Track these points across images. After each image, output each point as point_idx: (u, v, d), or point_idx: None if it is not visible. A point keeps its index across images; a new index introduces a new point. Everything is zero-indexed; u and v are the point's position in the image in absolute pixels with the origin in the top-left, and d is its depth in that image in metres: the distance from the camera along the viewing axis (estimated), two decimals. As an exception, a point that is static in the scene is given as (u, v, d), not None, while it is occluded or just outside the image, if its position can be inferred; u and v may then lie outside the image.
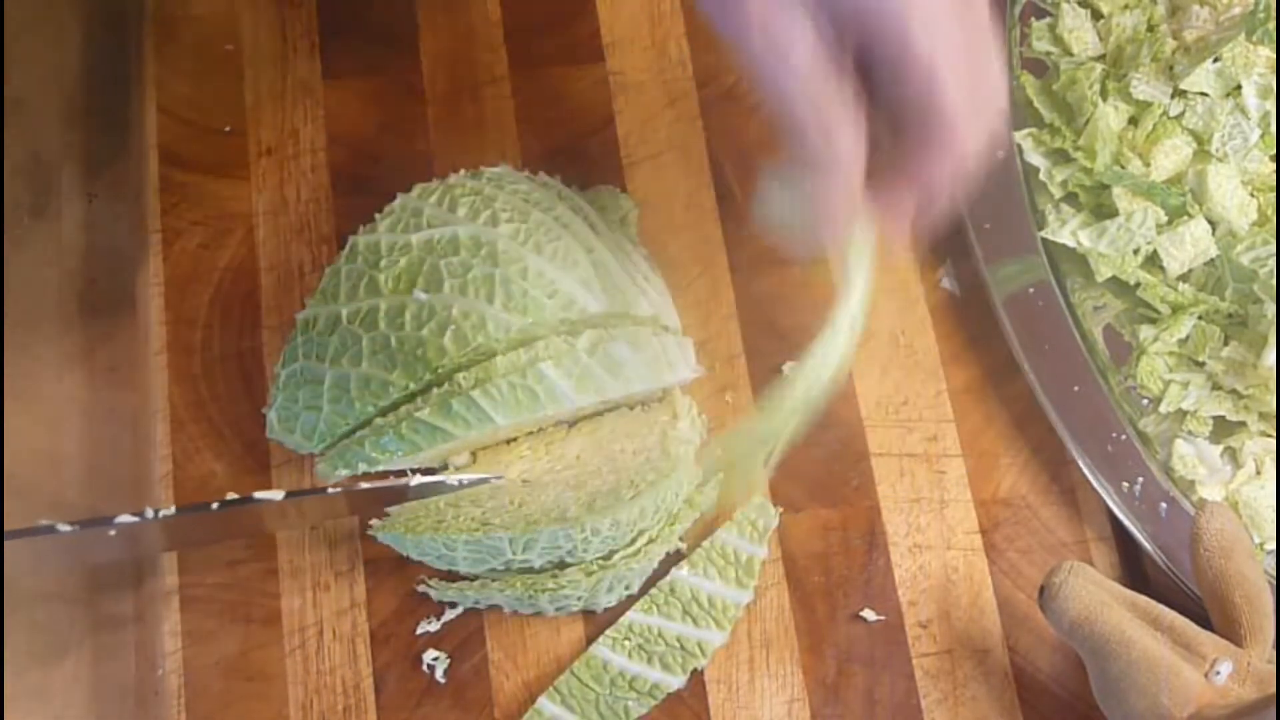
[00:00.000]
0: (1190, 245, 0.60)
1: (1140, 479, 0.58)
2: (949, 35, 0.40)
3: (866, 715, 0.57)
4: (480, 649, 0.57)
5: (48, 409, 0.55)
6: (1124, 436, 0.58)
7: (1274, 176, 0.61)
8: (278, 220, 0.63)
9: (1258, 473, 0.59)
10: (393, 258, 0.55)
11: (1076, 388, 0.59)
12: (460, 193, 0.57)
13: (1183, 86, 0.61)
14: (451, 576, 0.57)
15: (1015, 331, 0.59)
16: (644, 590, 0.57)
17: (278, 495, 0.52)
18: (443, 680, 0.56)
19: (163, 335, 0.61)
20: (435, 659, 0.56)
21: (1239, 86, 0.61)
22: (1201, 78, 0.61)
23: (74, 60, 0.62)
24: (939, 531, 0.59)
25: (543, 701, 0.55)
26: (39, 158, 0.58)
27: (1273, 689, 0.48)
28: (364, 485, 0.54)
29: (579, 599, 0.55)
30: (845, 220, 0.44)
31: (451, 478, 0.55)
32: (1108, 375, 0.60)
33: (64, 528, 0.48)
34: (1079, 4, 0.65)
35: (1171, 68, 0.62)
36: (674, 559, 0.57)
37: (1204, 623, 0.50)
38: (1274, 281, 0.58)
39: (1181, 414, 0.60)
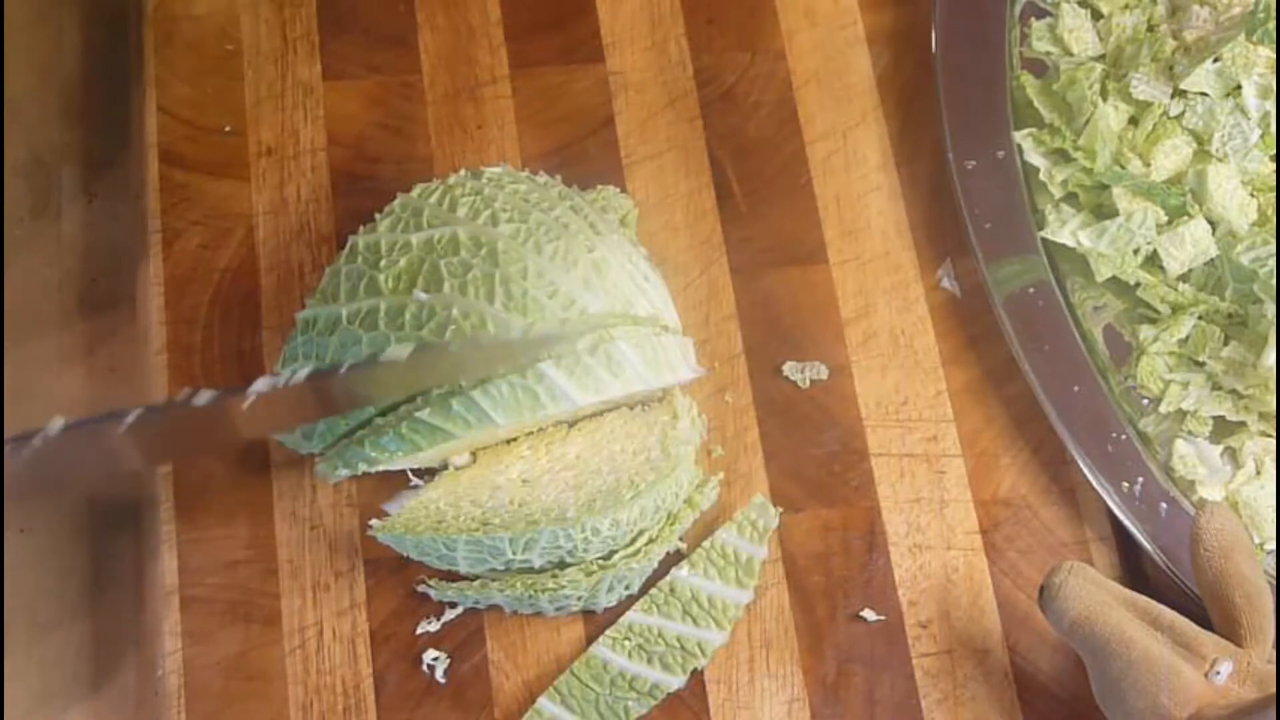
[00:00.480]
0: (1190, 245, 0.60)
1: (1140, 479, 0.58)
2: None
3: (866, 715, 0.57)
4: (480, 649, 0.57)
5: (47, 408, 0.55)
6: (1124, 436, 0.58)
7: (1274, 176, 0.61)
8: (278, 220, 0.63)
9: (1258, 473, 0.59)
10: (393, 258, 0.54)
11: (1076, 388, 0.59)
12: (460, 193, 0.57)
13: (1183, 86, 0.61)
14: (451, 576, 0.57)
15: (1015, 331, 0.59)
16: (644, 590, 0.57)
17: (260, 387, 0.48)
18: (443, 680, 0.56)
19: (163, 335, 0.60)
20: (435, 659, 0.56)
21: (1239, 86, 0.61)
22: (1201, 78, 0.61)
23: (74, 60, 0.62)
24: (939, 531, 0.59)
25: (543, 701, 0.55)
26: (39, 158, 0.58)
27: (1273, 689, 0.48)
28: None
29: (579, 599, 0.55)
30: None
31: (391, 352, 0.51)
32: (1108, 375, 0.60)
33: (55, 426, 0.44)
34: (1079, 4, 0.66)
35: (1171, 68, 0.62)
36: (674, 559, 0.57)
37: (1204, 623, 0.50)
38: (1274, 281, 0.58)
39: (1181, 414, 0.60)
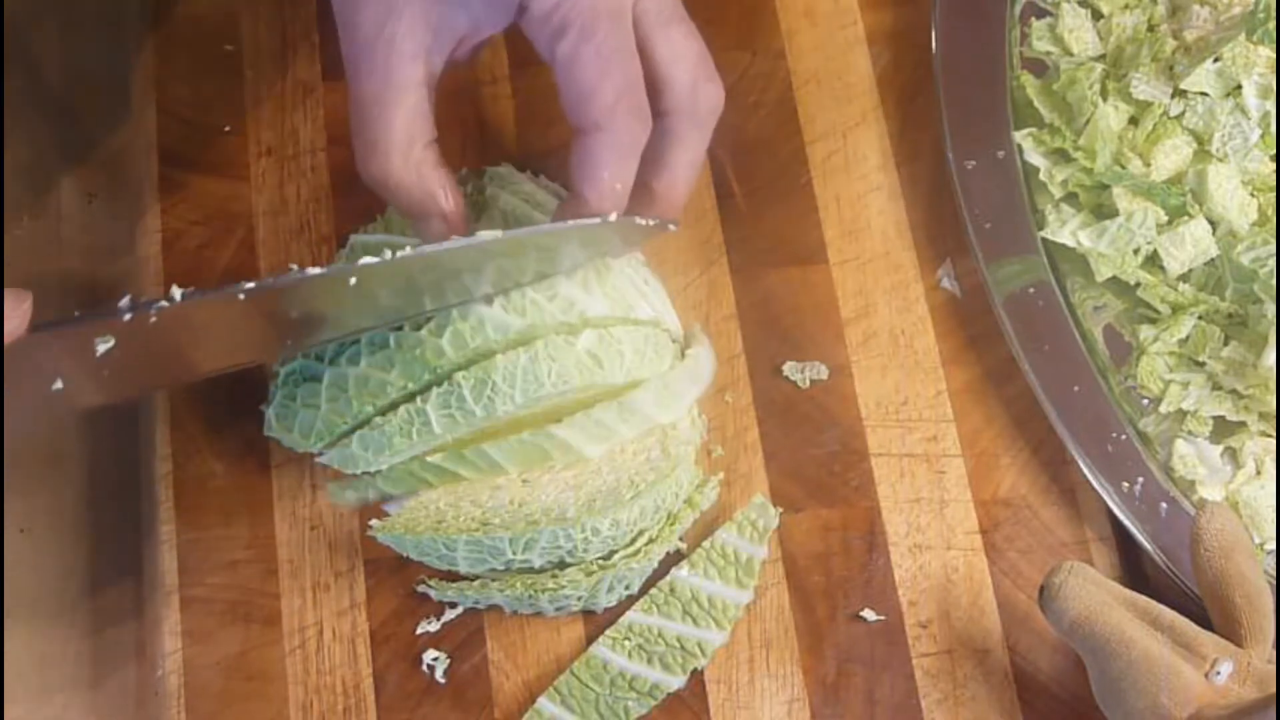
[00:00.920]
0: (1190, 245, 0.60)
1: (1140, 479, 0.58)
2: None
3: (866, 715, 0.57)
4: (480, 649, 0.57)
5: (48, 409, 0.55)
6: (1124, 436, 0.58)
7: (1274, 176, 0.61)
8: (278, 220, 0.63)
9: (1258, 473, 0.59)
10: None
11: (1076, 388, 0.59)
12: (463, 192, 0.57)
13: (1183, 86, 0.61)
14: (451, 576, 0.57)
15: (1015, 331, 0.59)
16: (644, 590, 0.57)
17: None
18: (443, 680, 0.56)
19: (163, 335, 0.60)
20: (435, 659, 0.56)
21: (1239, 86, 0.61)
22: (1201, 78, 0.61)
23: (74, 60, 0.62)
24: (939, 531, 0.59)
25: (543, 701, 0.55)
26: (39, 158, 0.58)
27: (1273, 689, 0.48)
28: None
29: (579, 599, 0.55)
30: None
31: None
32: (1108, 375, 0.60)
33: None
34: (1079, 4, 0.65)
35: (1171, 68, 0.62)
36: (674, 559, 0.57)
37: (1204, 623, 0.50)
38: (1274, 281, 0.58)
39: (1181, 414, 0.60)
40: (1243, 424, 0.59)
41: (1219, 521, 0.51)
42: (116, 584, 0.58)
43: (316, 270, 0.44)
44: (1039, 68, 0.65)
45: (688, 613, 0.56)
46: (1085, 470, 0.57)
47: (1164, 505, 0.57)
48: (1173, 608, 0.50)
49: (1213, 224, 0.61)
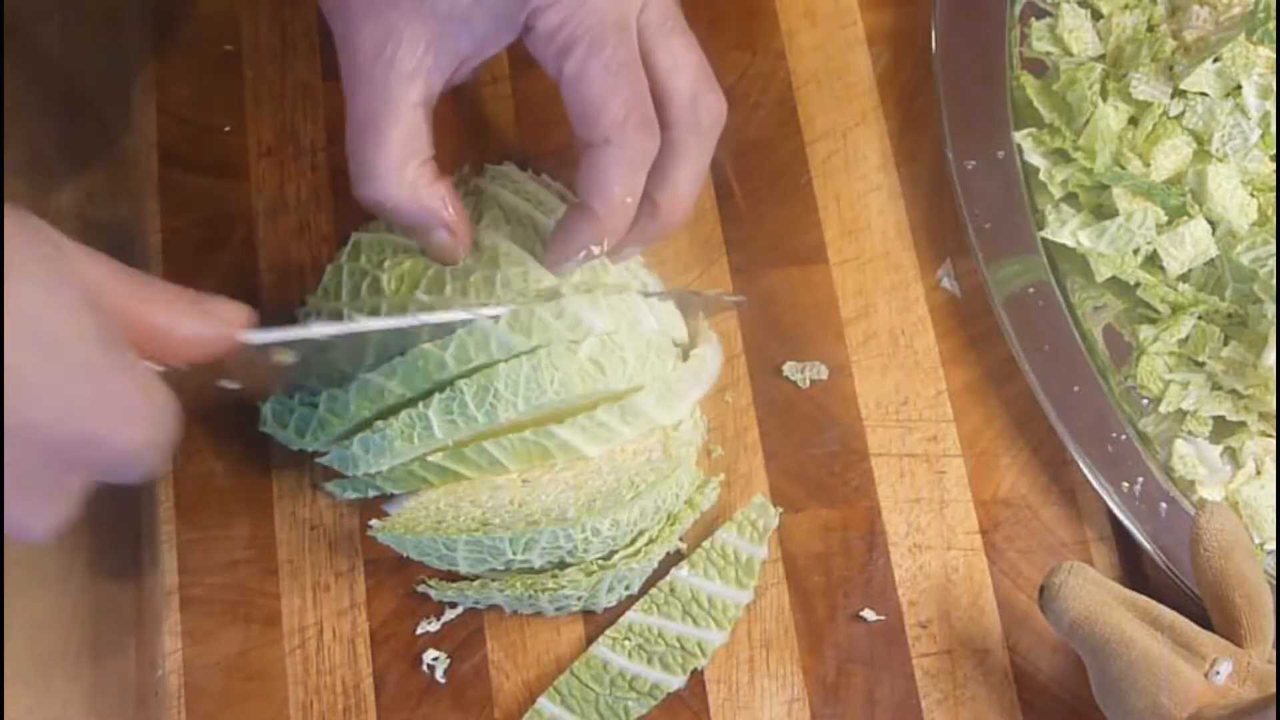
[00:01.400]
0: (1190, 245, 0.60)
1: (1140, 479, 0.58)
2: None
3: (866, 715, 0.57)
4: (480, 649, 0.57)
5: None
6: (1124, 436, 0.58)
7: (1274, 176, 0.61)
8: (278, 220, 0.63)
9: (1258, 473, 0.59)
10: (397, 259, 0.55)
11: (1076, 388, 0.59)
12: (463, 191, 0.57)
13: (1183, 86, 0.61)
14: (451, 576, 0.57)
15: (1015, 331, 0.59)
16: (644, 590, 0.57)
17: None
18: (443, 680, 0.56)
19: (163, 335, 0.60)
20: (435, 659, 0.56)
21: (1239, 86, 0.61)
22: (1201, 78, 0.61)
23: (74, 60, 0.62)
24: (939, 531, 0.59)
25: (543, 701, 0.55)
26: (39, 158, 0.58)
27: (1273, 689, 0.48)
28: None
29: (579, 599, 0.55)
30: None
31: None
32: (1108, 375, 0.60)
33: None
34: (1079, 4, 0.65)
35: (1171, 68, 0.62)
36: (674, 559, 0.57)
37: (1204, 623, 0.50)
38: (1274, 281, 0.58)
39: (1181, 414, 0.60)
40: (1243, 424, 0.59)
41: (1219, 521, 0.51)
42: (116, 584, 0.58)
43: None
44: (1039, 68, 0.65)
45: (688, 613, 0.56)
46: (1085, 470, 0.57)
47: (1164, 505, 0.57)
48: (1173, 608, 0.50)
49: (1212, 224, 0.61)
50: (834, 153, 0.65)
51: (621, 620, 0.56)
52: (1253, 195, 0.61)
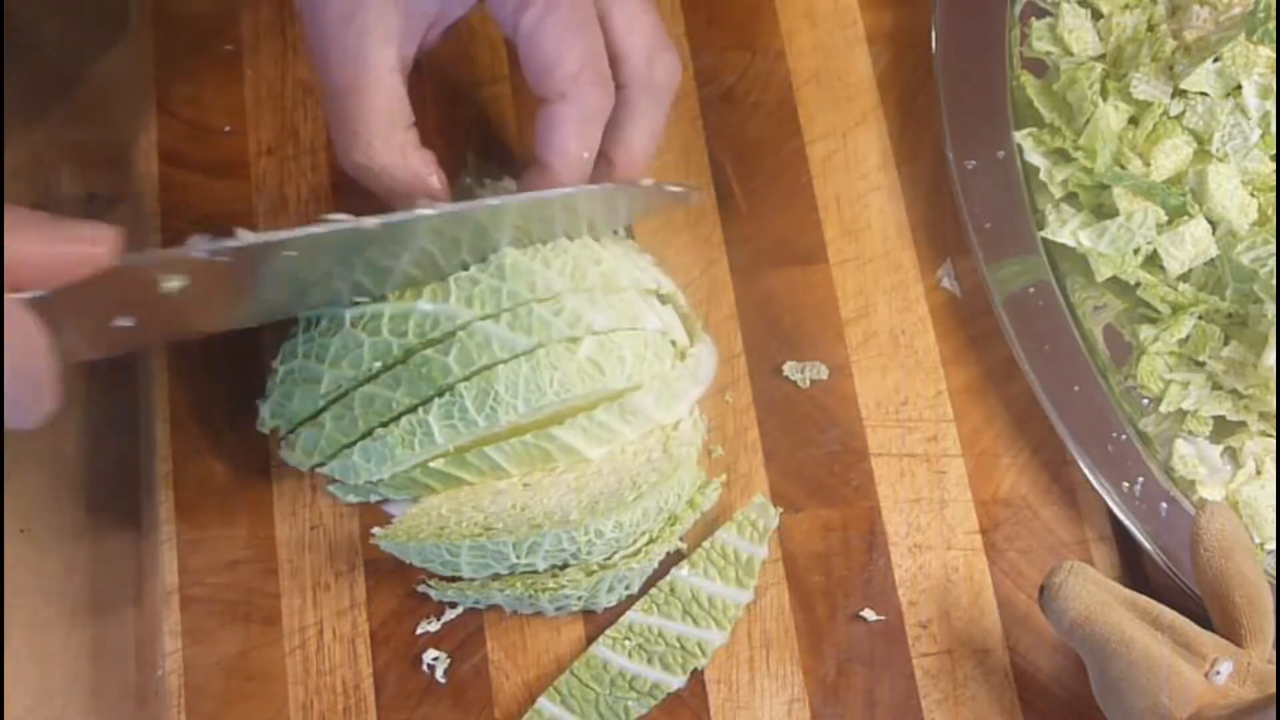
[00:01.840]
0: (1190, 245, 0.60)
1: (1140, 479, 0.58)
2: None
3: (866, 715, 0.57)
4: (480, 649, 0.57)
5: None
6: (1124, 436, 0.58)
7: (1274, 176, 0.61)
8: (278, 220, 0.63)
9: (1258, 473, 0.59)
10: None
11: (1076, 388, 0.59)
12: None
13: (1183, 86, 0.61)
14: (451, 577, 0.57)
15: (1015, 331, 0.59)
16: (644, 590, 0.57)
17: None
18: (443, 680, 0.56)
19: (163, 335, 0.60)
20: (435, 659, 0.56)
21: (1239, 86, 0.61)
22: (1201, 78, 0.61)
23: (74, 60, 0.62)
24: (939, 531, 0.59)
25: (543, 701, 0.55)
26: (39, 158, 0.58)
27: (1273, 689, 0.48)
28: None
29: (579, 599, 0.55)
30: None
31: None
32: (1108, 375, 0.60)
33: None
34: (1079, 4, 0.66)
35: (1171, 68, 0.62)
36: (674, 559, 0.57)
37: (1204, 623, 0.50)
38: (1274, 281, 0.58)
39: (1181, 414, 0.60)
40: (1243, 424, 0.59)
41: (1219, 521, 0.51)
42: (116, 584, 0.58)
43: (374, 221, 0.46)
44: (1039, 68, 0.65)
45: (688, 613, 0.56)
46: (1085, 470, 0.57)
47: (1164, 505, 0.57)
48: (1173, 608, 0.50)
49: (1213, 224, 0.61)
50: (834, 153, 0.65)
51: (621, 620, 0.56)
52: (1253, 195, 0.61)
